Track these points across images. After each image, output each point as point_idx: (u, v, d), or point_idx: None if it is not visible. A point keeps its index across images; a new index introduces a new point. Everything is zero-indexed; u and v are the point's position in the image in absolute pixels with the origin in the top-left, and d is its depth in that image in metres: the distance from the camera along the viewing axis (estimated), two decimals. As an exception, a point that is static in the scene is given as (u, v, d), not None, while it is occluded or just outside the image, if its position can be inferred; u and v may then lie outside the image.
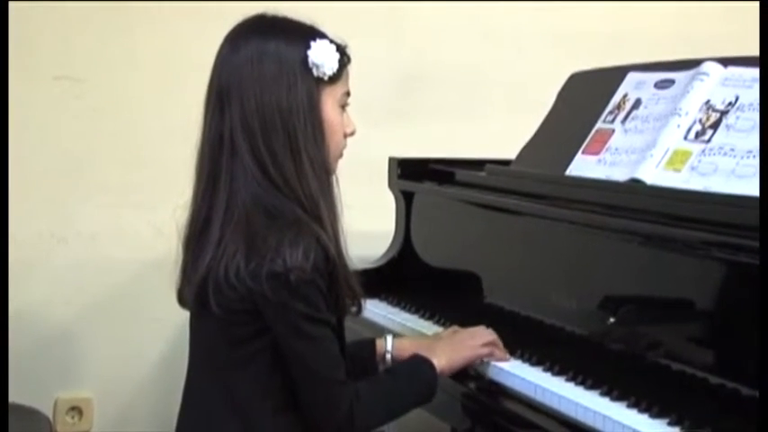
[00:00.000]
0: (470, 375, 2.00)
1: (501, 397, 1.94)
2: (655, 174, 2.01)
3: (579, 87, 2.41)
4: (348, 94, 1.84)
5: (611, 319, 1.91)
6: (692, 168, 1.95)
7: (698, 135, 2.00)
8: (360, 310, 1.86)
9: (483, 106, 3.21)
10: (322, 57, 1.76)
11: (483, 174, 2.41)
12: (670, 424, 1.66)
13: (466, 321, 2.09)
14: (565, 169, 2.22)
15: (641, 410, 1.72)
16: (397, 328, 2.29)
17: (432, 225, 2.55)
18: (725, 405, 1.67)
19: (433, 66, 3.18)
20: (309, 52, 1.76)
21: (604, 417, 1.71)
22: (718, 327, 1.75)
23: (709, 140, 1.96)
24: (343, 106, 1.83)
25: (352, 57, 1.85)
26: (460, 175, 2.48)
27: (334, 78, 1.79)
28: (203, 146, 1.79)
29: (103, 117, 2.92)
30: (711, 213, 1.77)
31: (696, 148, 1.98)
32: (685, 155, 1.98)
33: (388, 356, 1.98)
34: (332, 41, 1.80)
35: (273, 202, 1.73)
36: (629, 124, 2.16)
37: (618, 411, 1.73)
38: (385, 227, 2.64)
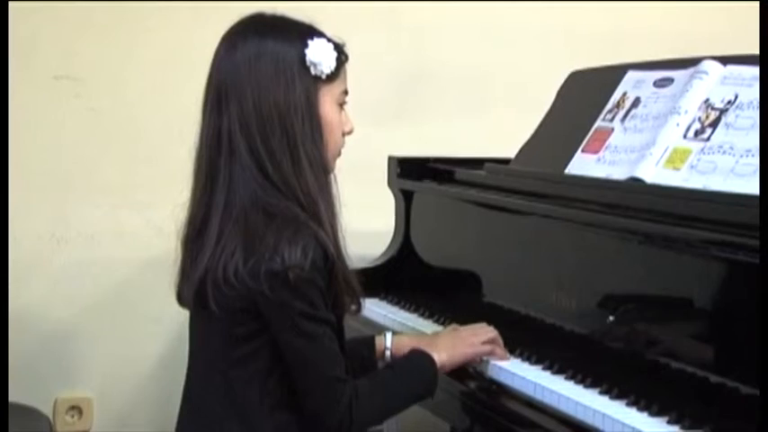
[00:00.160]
0: (470, 374, 2.00)
1: (500, 396, 1.94)
2: (654, 172, 2.01)
3: (578, 86, 2.40)
4: (346, 92, 1.84)
5: (611, 318, 1.91)
6: (692, 167, 1.95)
7: (697, 133, 1.99)
8: (359, 308, 1.86)
9: (482, 105, 3.21)
10: (319, 55, 1.77)
11: (482, 173, 2.41)
12: (669, 422, 1.66)
13: (465, 320, 2.09)
14: (564, 168, 2.22)
15: (641, 409, 1.72)
16: (396, 326, 2.28)
17: (431, 224, 2.55)
18: (724, 404, 1.67)
19: (432, 65, 3.18)
20: (307, 51, 1.76)
21: (604, 415, 1.71)
22: (717, 325, 1.74)
23: (708, 139, 1.96)
24: (342, 105, 1.84)
25: (351, 56, 1.85)
26: (460, 174, 2.48)
27: (332, 77, 1.79)
28: (201, 145, 1.79)
29: (103, 117, 2.92)
30: (711, 212, 1.76)
31: (695, 146, 1.98)
32: (685, 153, 1.98)
33: (388, 353, 1.99)
34: (329, 40, 1.80)
35: (272, 200, 1.73)
36: (628, 123, 2.16)
37: (617, 410, 1.73)
38: (384, 226, 2.64)
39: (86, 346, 2.93)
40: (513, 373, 1.93)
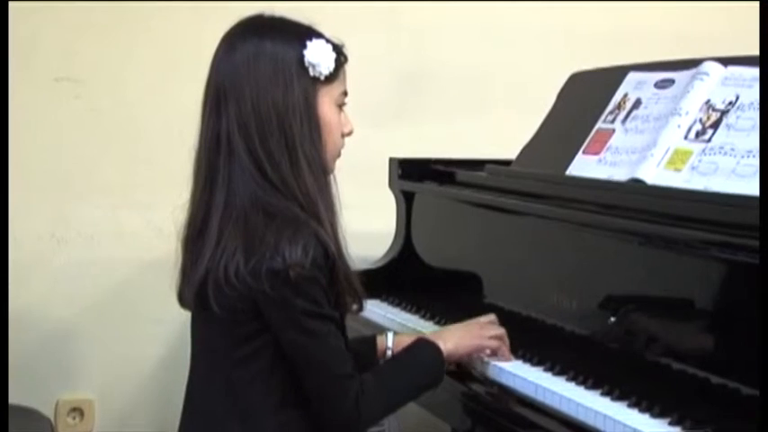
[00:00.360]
0: (471, 375, 2.00)
1: (502, 397, 1.94)
2: (655, 173, 2.01)
3: (579, 87, 2.40)
4: (345, 93, 1.84)
5: (612, 319, 1.91)
6: (693, 168, 1.95)
7: (698, 135, 1.99)
8: (361, 308, 1.86)
9: (483, 106, 3.21)
10: (318, 56, 1.77)
11: (483, 174, 2.40)
12: (671, 424, 1.66)
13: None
14: (565, 169, 2.22)
15: (642, 410, 1.72)
16: (397, 328, 2.28)
17: (432, 225, 2.55)
18: (726, 405, 1.67)
19: (433, 66, 3.18)
20: (305, 52, 1.76)
21: (605, 416, 1.71)
22: (718, 326, 1.74)
23: (709, 140, 1.96)
24: (341, 106, 1.83)
25: (351, 56, 1.85)
26: (461, 175, 2.48)
27: (331, 78, 1.79)
28: (201, 146, 1.79)
29: (103, 118, 2.92)
30: (712, 213, 1.76)
31: (696, 147, 1.98)
32: (686, 154, 1.98)
33: (389, 353, 1.98)
34: (328, 41, 1.80)
35: (271, 201, 1.73)
36: (629, 124, 2.16)
37: (619, 411, 1.73)
38: (385, 227, 2.63)
39: (87, 347, 2.93)
40: (515, 375, 1.93)
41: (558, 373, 1.91)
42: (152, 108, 2.93)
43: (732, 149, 1.91)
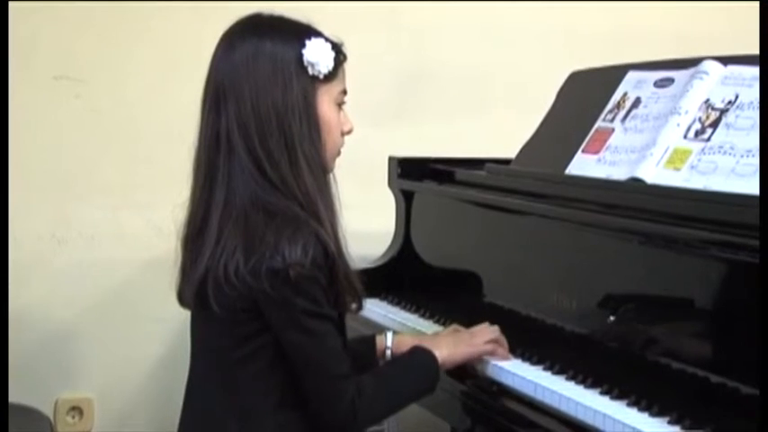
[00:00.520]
0: (471, 374, 2.00)
1: (501, 396, 1.94)
2: (655, 173, 2.01)
3: (579, 86, 2.40)
4: (345, 92, 1.84)
5: (611, 318, 1.91)
6: (692, 167, 1.95)
7: (698, 134, 1.99)
8: (360, 306, 1.86)
9: (483, 105, 3.21)
10: (317, 55, 1.77)
11: (483, 173, 2.41)
12: (670, 423, 1.66)
13: (466, 320, 2.09)
14: (565, 168, 2.22)
15: (641, 409, 1.72)
16: (397, 327, 2.28)
17: (432, 224, 2.55)
18: (725, 404, 1.67)
19: (432, 65, 3.18)
20: (304, 51, 1.76)
21: (604, 415, 1.71)
22: (717, 325, 1.74)
23: (708, 139, 1.96)
24: (340, 104, 1.83)
25: (351, 56, 1.85)
26: (460, 174, 2.48)
27: (330, 77, 1.79)
28: (200, 145, 1.79)
29: (103, 117, 2.92)
30: (711, 212, 1.76)
31: (696, 146, 1.98)
32: (685, 154, 1.98)
33: (389, 353, 1.99)
34: (327, 40, 1.80)
35: (271, 200, 1.73)
36: (628, 123, 2.16)
37: (618, 410, 1.73)
38: (385, 226, 2.64)
39: (87, 346, 2.93)
40: (514, 374, 1.93)
41: (558, 372, 1.92)
42: (152, 107, 2.93)
43: (731, 149, 1.91)
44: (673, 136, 2.02)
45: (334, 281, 1.75)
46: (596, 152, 2.18)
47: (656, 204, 1.89)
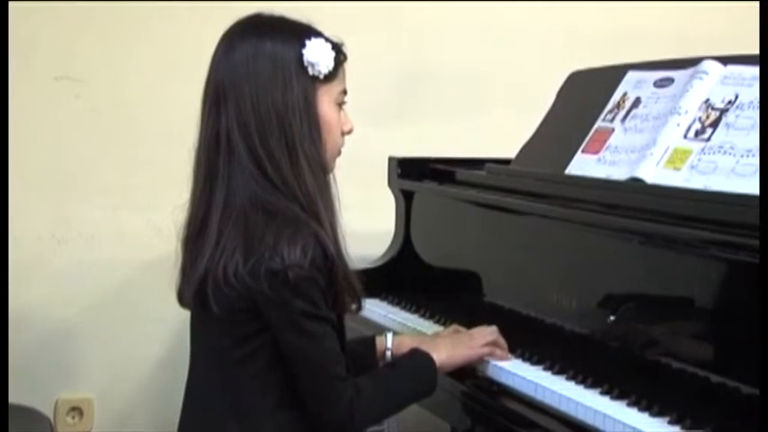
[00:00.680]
0: (470, 374, 2.00)
1: (501, 396, 1.94)
2: (655, 172, 2.01)
3: (579, 86, 2.40)
4: (345, 92, 1.84)
5: (611, 318, 1.91)
6: (692, 167, 1.95)
7: (698, 134, 1.99)
8: (360, 307, 1.86)
9: (483, 105, 3.21)
10: (317, 55, 1.77)
11: (483, 173, 2.40)
12: (670, 423, 1.66)
13: (466, 320, 2.09)
14: (564, 168, 2.22)
15: (641, 409, 1.72)
16: (397, 327, 2.28)
17: (432, 224, 2.55)
18: (725, 404, 1.67)
19: (432, 65, 3.18)
20: (304, 51, 1.76)
21: (604, 415, 1.71)
22: (718, 325, 1.74)
23: (708, 139, 1.96)
24: (341, 104, 1.83)
25: (351, 56, 1.85)
26: (460, 174, 2.48)
27: (330, 77, 1.79)
28: (200, 146, 1.79)
29: (103, 117, 2.92)
30: (711, 212, 1.76)
31: (696, 146, 1.98)
32: (685, 153, 1.98)
33: (389, 354, 1.99)
34: (327, 40, 1.80)
35: (271, 200, 1.73)
36: (628, 123, 2.16)
37: (618, 410, 1.73)
38: (385, 226, 2.63)
39: (87, 346, 2.93)
40: (514, 374, 1.93)
41: (558, 372, 1.92)
42: (152, 108, 2.93)
43: (731, 148, 1.91)
44: (673, 136, 2.02)
45: (333, 282, 1.75)
46: (596, 152, 2.18)
47: (656, 204, 1.89)
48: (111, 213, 2.94)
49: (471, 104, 3.21)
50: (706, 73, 2.05)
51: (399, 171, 2.61)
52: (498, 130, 3.05)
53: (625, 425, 1.67)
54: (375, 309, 2.38)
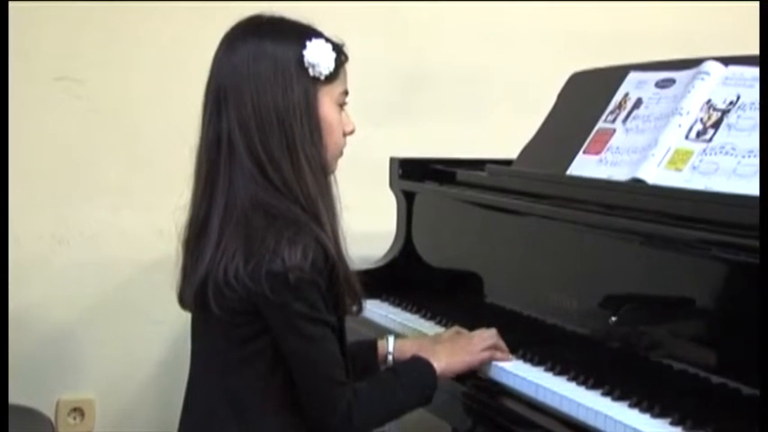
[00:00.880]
0: (471, 375, 1.99)
1: (502, 397, 1.94)
2: (656, 173, 2.01)
3: (580, 87, 2.40)
4: (346, 93, 1.84)
5: (613, 319, 1.90)
6: (694, 168, 1.95)
7: (699, 134, 1.99)
8: (360, 309, 1.86)
9: (484, 106, 3.21)
10: (318, 56, 1.76)
11: (484, 174, 2.40)
12: (672, 424, 1.66)
13: (467, 321, 2.09)
14: (566, 169, 2.22)
15: (643, 410, 1.71)
16: (398, 328, 2.28)
17: (433, 225, 2.55)
18: (727, 405, 1.67)
19: (433, 66, 3.18)
20: (305, 52, 1.76)
21: (606, 416, 1.71)
22: (719, 326, 1.74)
23: (710, 140, 1.96)
24: (342, 105, 1.83)
25: (352, 57, 1.84)
26: (461, 175, 2.48)
27: (331, 78, 1.78)
28: (201, 147, 1.79)
29: (104, 118, 2.92)
30: (713, 213, 1.76)
31: (697, 147, 1.97)
32: (687, 154, 1.98)
33: (390, 357, 1.99)
34: (328, 40, 1.80)
35: (272, 202, 1.73)
36: (630, 124, 2.16)
37: (619, 411, 1.72)
38: (386, 227, 2.63)
39: (88, 347, 2.93)
40: (515, 374, 1.93)
41: (559, 373, 1.91)
42: (153, 109, 2.93)
43: (733, 149, 1.90)
44: (674, 136, 2.02)
45: (333, 284, 1.75)
46: (597, 153, 2.18)
47: (658, 205, 1.89)
48: (112, 214, 2.93)
49: (472, 105, 3.21)
50: (707, 74, 2.05)
51: (401, 172, 2.61)
52: (499, 130, 3.05)
53: (626, 426, 1.67)
54: (376, 309, 2.38)
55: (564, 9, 3.28)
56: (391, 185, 2.64)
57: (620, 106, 2.21)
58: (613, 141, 2.16)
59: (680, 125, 2.03)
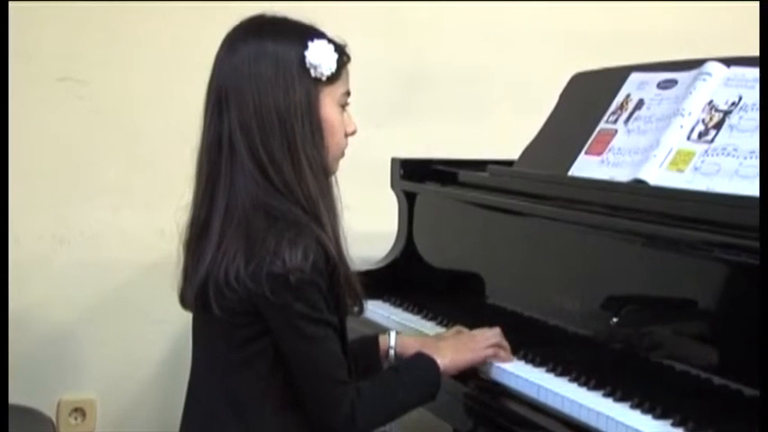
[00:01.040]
0: (473, 376, 1.99)
1: (503, 397, 1.94)
2: (658, 174, 2.00)
3: (582, 88, 2.40)
4: (348, 93, 1.83)
5: (615, 320, 1.90)
6: (696, 169, 1.95)
7: (701, 135, 1.99)
8: (362, 310, 1.86)
9: (485, 107, 3.21)
10: (320, 57, 1.76)
11: (485, 174, 2.40)
12: (674, 425, 1.66)
13: (468, 322, 2.09)
14: (567, 170, 2.21)
15: (645, 411, 1.71)
16: (399, 328, 2.26)
17: (434, 226, 2.55)
18: (728, 406, 1.67)
19: (435, 66, 3.18)
20: (307, 53, 1.76)
21: (607, 417, 1.71)
22: (721, 327, 1.74)
23: (712, 141, 1.96)
24: (344, 106, 1.83)
25: (353, 57, 1.84)
26: (463, 175, 2.48)
27: (333, 78, 1.78)
28: (203, 147, 1.79)
29: (106, 118, 2.92)
30: (714, 214, 1.76)
31: (699, 148, 1.97)
32: (688, 155, 1.98)
33: (392, 353, 1.98)
34: (330, 41, 1.79)
35: (273, 203, 1.73)
36: (631, 125, 2.16)
37: (621, 412, 1.72)
38: (387, 228, 2.63)
39: (89, 347, 2.93)
40: (517, 375, 1.93)
41: (561, 374, 1.91)
42: (155, 109, 2.93)
43: (735, 150, 1.90)
44: (676, 137, 2.02)
45: (334, 285, 1.75)
46: (599, 154, 2.18)
47: (660, 206, 1.88)
48: (113, 214, 2.93)
49: (473, 106, 3.20)
50: (709, 74, 2.05)
51: (402, 172, 2.60)
52: (500, 131, 3.05)
53: (628, 427, 1.66)
54: (377, 310, 2.38)
55: (564, 9, 3.28)
56: (392, 186, 2.64)
57: (621, 107, 2.21)
58: (615, 142, 2.16)
59: (682, 126, 2.03)
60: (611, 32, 3.25)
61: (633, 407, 1.74)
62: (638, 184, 2.02)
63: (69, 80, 2.89)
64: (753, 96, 1.95)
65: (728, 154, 1.91)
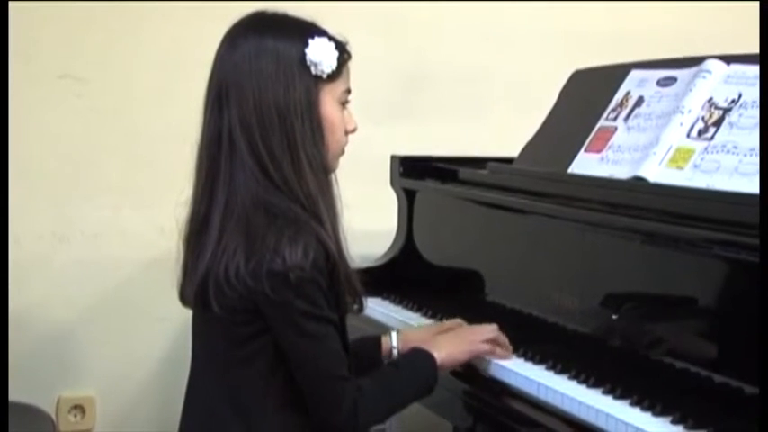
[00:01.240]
0: (473, 373, 2.00)
1: (503, 395, 1.94)
2: (657, 171, 2.01)
3: (582, 85, 2.40)
4: (349, 91, 1.83)
5: (614, 317, 1.90)
6: (695, 166, 1.95)
7: (701, 133, 1.99)
8: (361, 307, 1.86)
9: (485, 104, 3.21)
10: (320, 55, 1.76)
11: (485, 172, 2.40)
12: (673, 422, 1.66)
13: (468, 319, 2.09)
14: (567, 167, 2.22)
15: (644, 408, 1.71)
16: (398, 326, 2.27)
17: (434, 223, 2.55)
18: (728, 403, 1.67)
19: (435, 64, 3.18)
20: (307, 50, 1.75)
21: (607, 415, 1.71)
22: (721, 325, 1.74)
23: (711, 138, 1.96)
24: (344, 103, 1.83)
25: (354, 55, 1.84)
26: (463, 173, 2.48)
27: (334, 76, 1.78)
28: (203, 143, 1.78)
29: (106, 117, 2.92)
30: (714, 211, 1.76)
31: (699, 145, 1.97)
32: (688, 153, 1.98)
33: (395, 352, 1.98)
34: (331, 38, 1.79)
35: (273, 200, 1.72)
36: (631, 122, 2.16)
37: (620, 409, 1.72)
38: (387, 225, 2.63)
39: (89, 345, 2.93)
40: (516, 373, 1.93)
41: (560, 372, 1.91)
42: (155, 107, 2.93)
43: (735, 147, 1.90)
44: (676, 135, 2.02)
45: (334, 282, 1.74)
46: (599, 151, 2.18)
47: (659, 203, 1.88)
48: (113, 212, 2.94)
49: (473, 104, 3.21)
50: (709, 72, 2.05)
51: (401, 170, 2.61)
52: (500, 129, 3.06)
53: (627, 424, 1.66)
54: (377, 307, 2.38)
55: (564, 9, 3.28)
56: (392, 183, 2.64)
57: (621, 104, 2.21)
58: (615, 139, 2.16)
59: (681, 123, 2.03)
60: (611, 32, 3.26)
61: (633, 404, 1.74)
62: (638, 182, 2.02)
63: (69, 78, 2.89)
64: (753, 94, 1.95)
65: (728, 151, 1.91)
